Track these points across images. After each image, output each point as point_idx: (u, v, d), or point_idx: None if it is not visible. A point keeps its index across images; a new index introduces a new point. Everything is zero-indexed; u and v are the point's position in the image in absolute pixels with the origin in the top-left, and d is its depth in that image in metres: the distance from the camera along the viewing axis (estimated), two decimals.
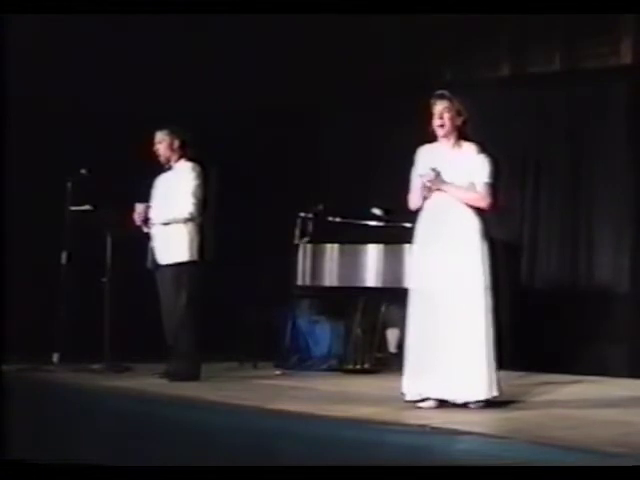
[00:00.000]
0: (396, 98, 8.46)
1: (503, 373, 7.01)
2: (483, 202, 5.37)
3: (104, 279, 7.25)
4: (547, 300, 8.00)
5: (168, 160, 6.89)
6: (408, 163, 5.52)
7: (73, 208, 7.30)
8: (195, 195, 6.78)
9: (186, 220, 6.75)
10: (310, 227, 7.77)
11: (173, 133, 6.87)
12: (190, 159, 6.88)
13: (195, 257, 6.76)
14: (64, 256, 7.30)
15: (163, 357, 6.81)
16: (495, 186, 5.40)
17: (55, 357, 7.21)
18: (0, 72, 6.64)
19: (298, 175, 8.90)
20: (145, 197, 6.91)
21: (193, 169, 6.84)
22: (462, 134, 5.43)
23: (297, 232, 7.74)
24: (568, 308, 7.94)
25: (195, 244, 6.77)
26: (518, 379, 7.01)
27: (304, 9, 7.03)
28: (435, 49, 8.57)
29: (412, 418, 4.87)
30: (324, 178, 8.91)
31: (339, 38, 8.71)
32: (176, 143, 6.87)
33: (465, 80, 8.45)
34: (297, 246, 7.69)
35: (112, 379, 6.69)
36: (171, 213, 6.74)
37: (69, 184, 7.31)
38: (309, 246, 7.65)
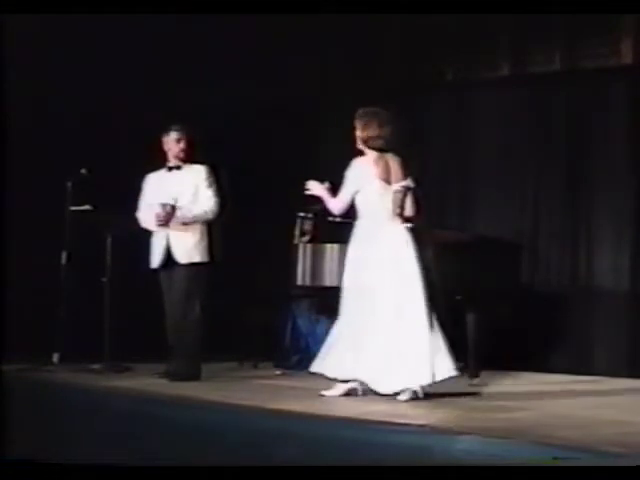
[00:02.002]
0: (396, 98, 8.45)
1: (502, 373, 7.06)
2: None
3: (104, 279, 7.25)
4: (547, 300, 7.99)
5: (176, 160, 6.88)
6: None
7: (73, 208, 7.29)
8: (218, 195, 6.81)
9: (208, 220, 6.76)
10: (310, 227, 7.76)
11: (185, 134, 6.86)
12: (198, 161, 6.88)
13: (206, 258, 6.78)
14: (64, 256, 7.29)
15: (163, 357, 6.81)
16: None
17: (55, 357, 7.21)
18: (0, 72, 6.65)
19: (298, 175, 8.87)
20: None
21: (208, 171, 6.84)
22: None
23: (297, 232, 7.73)
24: (568, 308, 7.93)
25: (207, 245, 6.79)
26: (517, 379, 7.01)
27: (305, 9, 7.04)
28: (435, 49, 8.56)
29: (412, 418, 4.87)
30: (324, 178, 8.88)
31: (339, 38, 8.70)
32: (187, 144, 6.86)
33: (465, 80, 8.44)
34: (297, 246, 7.68)
35: (112, 379, 6.69)
36: (193, 212, 6.74)
37: (69, 184, 7.30)
38: (309, 246, 7.64)
